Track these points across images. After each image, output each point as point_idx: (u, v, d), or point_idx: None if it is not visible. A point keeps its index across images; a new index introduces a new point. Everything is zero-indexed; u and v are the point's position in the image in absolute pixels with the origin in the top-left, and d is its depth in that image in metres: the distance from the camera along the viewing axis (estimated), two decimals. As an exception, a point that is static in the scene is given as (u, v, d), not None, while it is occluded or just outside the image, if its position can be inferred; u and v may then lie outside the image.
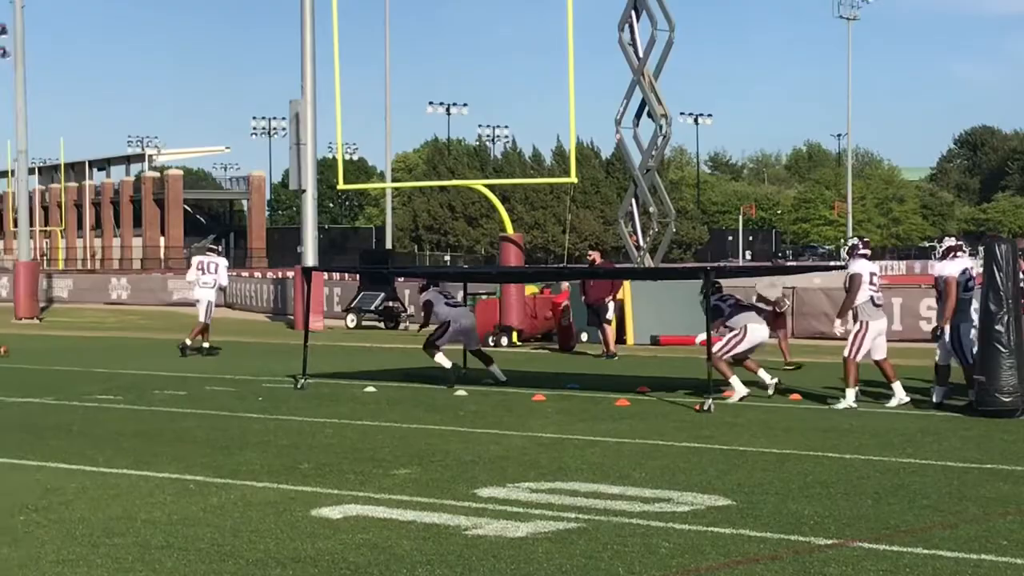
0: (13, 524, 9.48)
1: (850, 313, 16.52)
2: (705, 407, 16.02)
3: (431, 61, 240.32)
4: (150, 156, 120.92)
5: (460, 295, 22.23)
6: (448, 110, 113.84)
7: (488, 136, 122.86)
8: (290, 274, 42.06)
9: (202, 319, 26.57)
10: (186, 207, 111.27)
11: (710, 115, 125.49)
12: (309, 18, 36.35)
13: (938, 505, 10.04)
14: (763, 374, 17.77)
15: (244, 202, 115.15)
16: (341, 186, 36.09)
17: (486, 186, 42.85)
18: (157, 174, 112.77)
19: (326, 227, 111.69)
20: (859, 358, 16.45)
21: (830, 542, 8.75)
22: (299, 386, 19.18)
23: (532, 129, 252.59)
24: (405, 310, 36.26)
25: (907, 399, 16.51)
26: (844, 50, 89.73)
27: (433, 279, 21.84)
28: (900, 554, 8.39)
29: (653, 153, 34.92)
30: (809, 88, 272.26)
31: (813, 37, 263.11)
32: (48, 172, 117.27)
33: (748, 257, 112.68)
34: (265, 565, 8.23)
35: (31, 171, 55.49)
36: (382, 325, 36.18)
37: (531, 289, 30.57)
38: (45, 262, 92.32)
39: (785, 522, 9.38)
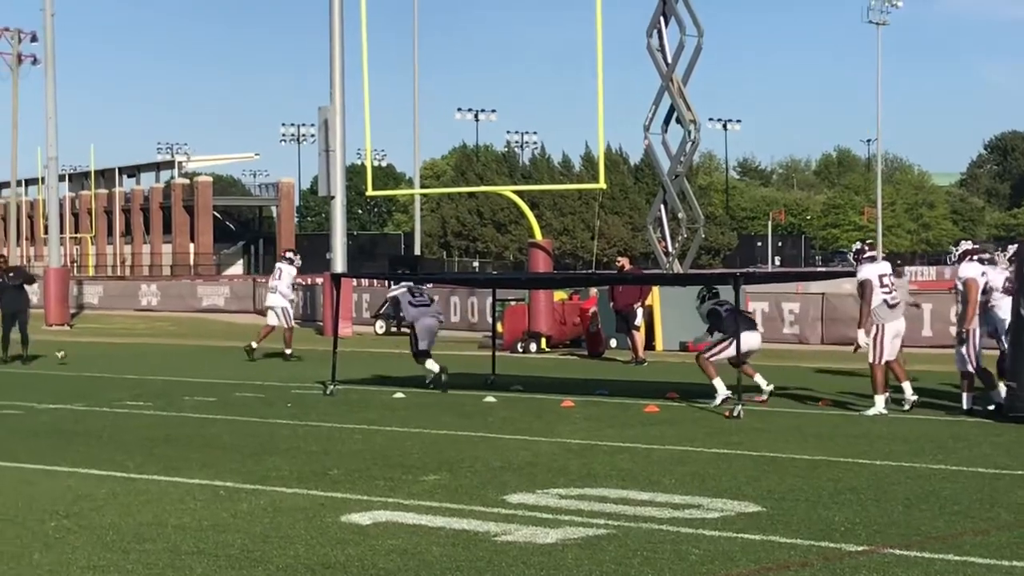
0: (44, 530, 9.52)
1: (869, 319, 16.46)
2: (735, 413, 16.01)
3: (459, 67, 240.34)
4: (180, 163, 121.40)
5: (427, 295, 21.15)
6: (476, 116, 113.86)
7: (516, 142, 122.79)
8: (319, 280, 42.13)
9: (270, 323, 27.51)
10: (215, 214, 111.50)
11: (739, 120, 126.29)
12: (338, 25, 36.47)
13: (969, 511, 9.99)
14: (759, 379, 17.74)
15: (273, 208, 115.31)
16: (370, 192, 36.21)
17: (515, 192, 42.91)
18: (187, 181, 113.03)
19: (355, 233, 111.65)
20: (883, 362, 16.39)
21: (861, 549, 8.72)
22: (328, 392, 19.22)
23: (561, 135, 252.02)
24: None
25: (909, 404, 16.49)
26: (874, 55, 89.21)
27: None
28: (931, 561, 8.35)
29: (682, 159, 34.93)
30: (838, 93, 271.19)
31: (842, 42, 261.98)
32: (78, 179, 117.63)
33: (777, 263, 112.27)
34: (295, 571, 8.24)
35: (61, 178, 55.69)
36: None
37: (560, 295, 30.56)
38: (75, 269, 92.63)
39: (815, 529, 9.35)
